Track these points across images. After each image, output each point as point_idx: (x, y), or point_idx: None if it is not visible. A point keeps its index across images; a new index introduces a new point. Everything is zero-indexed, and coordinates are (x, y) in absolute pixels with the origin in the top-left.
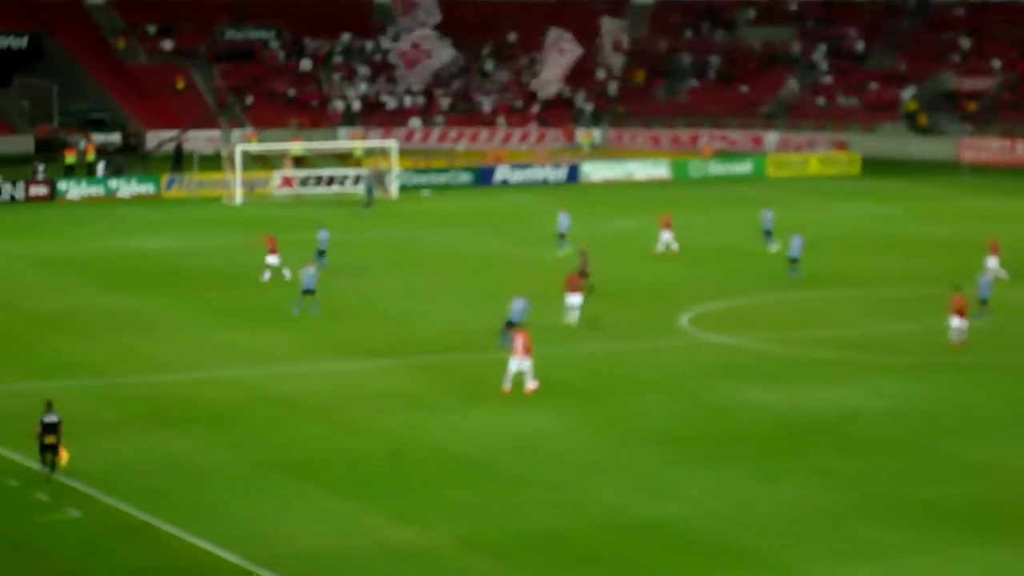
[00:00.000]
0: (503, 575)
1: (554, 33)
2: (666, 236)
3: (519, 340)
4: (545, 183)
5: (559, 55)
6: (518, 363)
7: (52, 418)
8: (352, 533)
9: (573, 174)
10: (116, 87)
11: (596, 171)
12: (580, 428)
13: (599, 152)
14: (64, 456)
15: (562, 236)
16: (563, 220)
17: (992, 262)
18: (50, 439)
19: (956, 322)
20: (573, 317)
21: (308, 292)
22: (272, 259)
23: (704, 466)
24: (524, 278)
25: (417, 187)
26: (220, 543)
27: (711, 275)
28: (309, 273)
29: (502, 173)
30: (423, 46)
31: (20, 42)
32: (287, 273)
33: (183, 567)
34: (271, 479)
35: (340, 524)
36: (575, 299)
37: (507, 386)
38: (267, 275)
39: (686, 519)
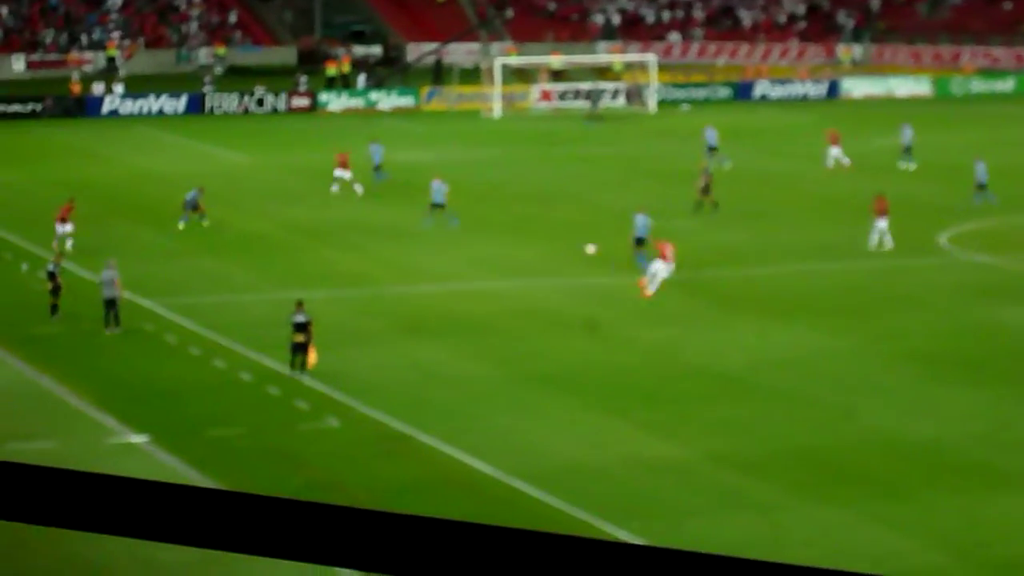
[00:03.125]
0: (758, 492)
1: None
2: (835, 151)
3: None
4: (805, 99)
5: None
6: (661, 268)
7: (301, 318)
8: (606, 446)
9: (833, 90)
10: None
11: (857, 87)
12: (841, 345)
13: (860, 68)
14: (313, 356)
15: (712, 149)
16: (711, 136)
17: None
18: (299, 338)
19: None
20: (881, 241)
21: (437, 206)
22: (340, 172)
23: (966, 386)
24: (782, 194)
25: (675, 102)
26: (476, 455)
27: (969, 194)
28: (435, 187)
29: (761, 88)
30: None
31: None
32: (359, 188)
33: (439, 478)
34: (527, 391)
35: (595, 437)
36: (883, 223)
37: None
38: (335, 188)
39: (947, 440)
